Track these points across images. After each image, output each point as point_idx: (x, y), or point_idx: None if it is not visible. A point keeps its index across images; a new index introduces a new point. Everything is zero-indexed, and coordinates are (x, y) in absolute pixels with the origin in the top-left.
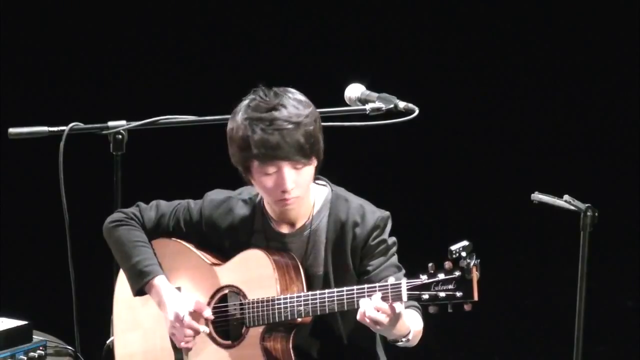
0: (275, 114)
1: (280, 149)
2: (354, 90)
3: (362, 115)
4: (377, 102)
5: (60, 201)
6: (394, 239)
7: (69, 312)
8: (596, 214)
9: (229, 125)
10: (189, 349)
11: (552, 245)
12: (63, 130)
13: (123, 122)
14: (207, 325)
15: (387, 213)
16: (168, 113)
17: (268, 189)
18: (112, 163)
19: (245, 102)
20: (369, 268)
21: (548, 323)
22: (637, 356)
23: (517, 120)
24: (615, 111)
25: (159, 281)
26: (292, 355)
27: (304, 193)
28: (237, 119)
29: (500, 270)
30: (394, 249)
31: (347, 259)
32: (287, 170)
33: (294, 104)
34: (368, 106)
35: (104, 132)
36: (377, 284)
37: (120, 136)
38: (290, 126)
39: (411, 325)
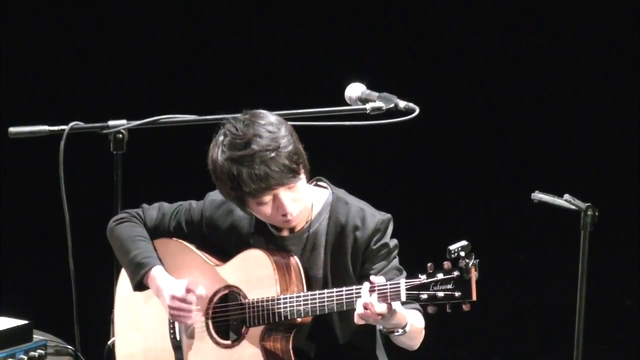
0: (254, 147)
1: (270, 179)
2: (355, 90)
3: (363, 115)
4: (378, 102)
5: (60, 200)
6: (395, 241)
7: (69, 311)
8: (596, 213)
9: (210, 165)
10: (189, 349)
11: (552, 244)
12: (63, 130)
13: (123, 122)
14: (208, 314)
15: (388, 216)
16: (168, 112)
17: (269, 216)
18: (112, 162)
19: (219, 140)
20: (371, 272)
21: (548, 322)
22: (637, 355)
23: (517, 120)
24: (615, 111)
25: (156, 271)
26: (292, 355)
27: (303, 204)
28: (218, 160)
29: (500, 269)
30: (396, 252)
31: (347, 262)
32: (283, 194)
33: (268, 129)
34: (368, 105)
35: (105, 131)
36: (376, 284)
37: (120, 135)
38: (272, 154)
39: (410, 318)
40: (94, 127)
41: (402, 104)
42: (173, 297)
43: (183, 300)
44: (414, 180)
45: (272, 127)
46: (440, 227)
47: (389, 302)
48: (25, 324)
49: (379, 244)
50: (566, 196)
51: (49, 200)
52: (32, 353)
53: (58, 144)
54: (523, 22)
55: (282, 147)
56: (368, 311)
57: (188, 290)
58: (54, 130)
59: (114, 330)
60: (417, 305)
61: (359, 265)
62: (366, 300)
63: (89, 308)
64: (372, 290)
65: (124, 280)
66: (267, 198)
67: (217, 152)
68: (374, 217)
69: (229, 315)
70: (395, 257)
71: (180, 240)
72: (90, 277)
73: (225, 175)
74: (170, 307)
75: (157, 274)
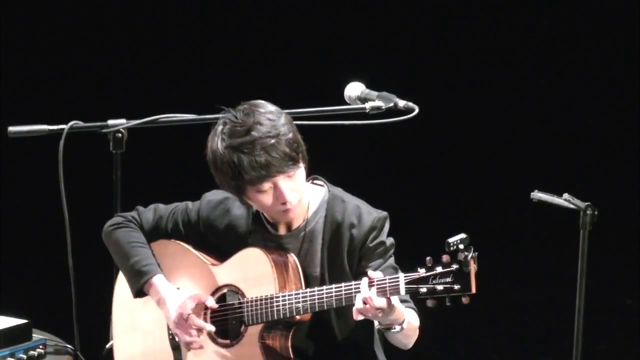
0: (254, 133)
1: (271, 166)
2: (354, 89)
3: (362, 114)
4: (377, 101)
5: (60, 200)
6: (392, 240)
7: (68, 310)
8: (595, 212)
9: (210, 156)
10: (189, 349)
11: (552, 243)
12: (63, 129)
13: (123, 121)
14: (207, 314)
15: (385, 213)
16: (168, 111)
17: (268, 205)
18: (111, 162)
19: (219, 130)
20: (367, 270)
21: (548, 321)
22: (636, 354)
23: (517, 119)
24: (615, 111)
25: (158, 280)
26: (291, 353)
27: (302, 195)
28: (218, 149)
29: (499, 268)
30: (392, 250)
31: (343, 260)
32: (283, 182)
33: (268, 117)
34: (368, 105)
35: (104, 130)
36: (375, 279)
37: (120, 135)
38: (272, 141)
39: (407, 315)
40: (93, 127)
41: (401, 103)
42: (179, 315)
43: (187, 319)
44: (413, 179)
45: (272, 115)
46: (439, 226)
47: (388, 297)
48: (25, 323)
49: (375, 241)
50: (565, 195)
51: (48, 200)
52: (31, 352)
53: (57, 143)
54: (523, 21)
55: (282, 134)
56: (367, 306)
57: (197, 304)
58: (53, 130)
59: (112, 333)
60: (412, 304)
61: (355, 263)
62: (365, 295)
63: (89, 307)
64: (371, 285)
65: (121, 284)
66: (267, 186)
67: (217, 141)
68: (370, 214)
69: (227, 314)
70: (391, 256)
71: (178, 241)
72: (89, 276)
73: (226, 163)
74: (174, 323)
75: (158, 282)
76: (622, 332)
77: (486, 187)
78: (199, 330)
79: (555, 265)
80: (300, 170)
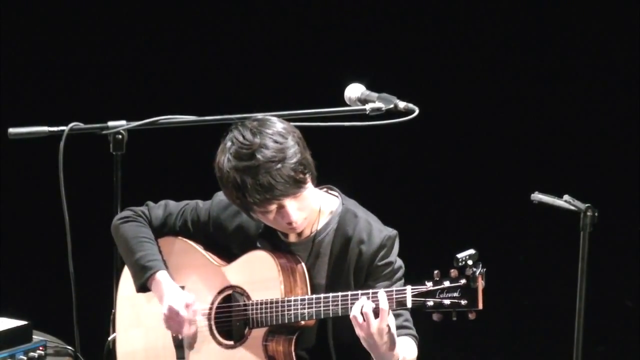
0: (259, 157)
1: (275, 190)
2: (354, 91)
3: (362, 116)
4: (377, 102)
5: (60, 201)
6: (400, 263)
7: (68, 311)
8: (596, 214)
9: (217, 171)
10: (191, 348)
11: (552, 245)
12: (63, 130)
13: (123, 122)
14: (211, 314)
15: (395, 232)
16: (168, 113)
17: (274, 223)
18: (112, 163)
19: (226, 146)
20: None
21: (548, 323)
22: (637, 356)
23: (517, 120)
24: (615, 111)
25: (161, 276)
26: (294, 358)
27: (309, 211)
28: (224, 168)
29: (499, 270)
30: (400, 273)
31: (349, 275)
32: (289, 203)
33: (274, 139)
34: (368, 106)
35: (104, 132)
36: (382, 288)
37: (120, 136)
38: (278, 165)
39: (404, 353)
40: (93, 128)
41: (401, 104)
42: (170, 308)
43: (177, 314)
44: (413, 180)
45: (279, 137)
46: (439, 227)
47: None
48: (25, 325)
49: (384, 261)
50: (566, 197)
51: (48, 201)
52: (31, 353)
53: (58, 144)
54: (523, 22)
55: (287, 158)
56: (364, 322)
57: (187, 306)
58: (53, 131)
59: (114, 327)
60: (413, 331)
61: (362, 280)
62: (366, 307)
63: (89, 308)
64: (376, 296)
65: (126, 278)
66: (272, 207)
67: (224, 159)
68: (381, 232)
69: (232, 315)
70: (398, 280)
71: (185, 240)
72: (89, 277)
73: (231, 184)
74: (165, 316)
75: (161, 278)
76: (622, 334)
77: (487, 188)
78: (189, 322)
79: (555, 266)
80: (308, 189)
